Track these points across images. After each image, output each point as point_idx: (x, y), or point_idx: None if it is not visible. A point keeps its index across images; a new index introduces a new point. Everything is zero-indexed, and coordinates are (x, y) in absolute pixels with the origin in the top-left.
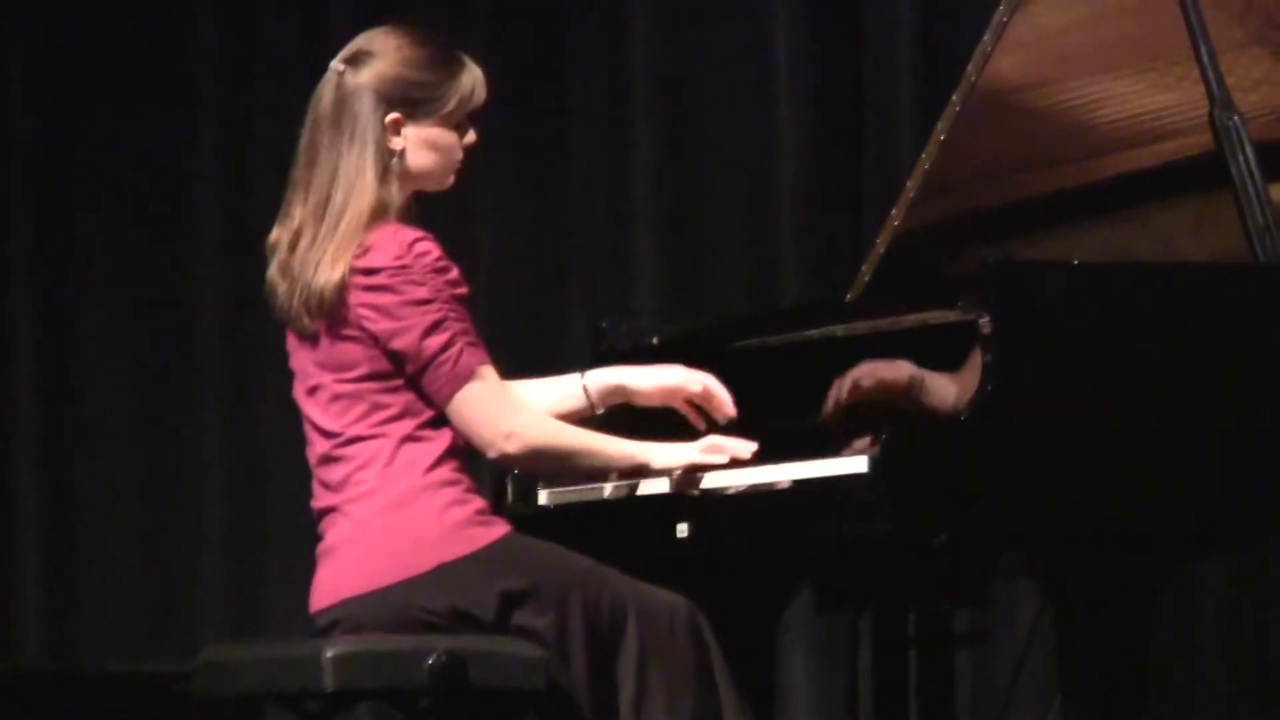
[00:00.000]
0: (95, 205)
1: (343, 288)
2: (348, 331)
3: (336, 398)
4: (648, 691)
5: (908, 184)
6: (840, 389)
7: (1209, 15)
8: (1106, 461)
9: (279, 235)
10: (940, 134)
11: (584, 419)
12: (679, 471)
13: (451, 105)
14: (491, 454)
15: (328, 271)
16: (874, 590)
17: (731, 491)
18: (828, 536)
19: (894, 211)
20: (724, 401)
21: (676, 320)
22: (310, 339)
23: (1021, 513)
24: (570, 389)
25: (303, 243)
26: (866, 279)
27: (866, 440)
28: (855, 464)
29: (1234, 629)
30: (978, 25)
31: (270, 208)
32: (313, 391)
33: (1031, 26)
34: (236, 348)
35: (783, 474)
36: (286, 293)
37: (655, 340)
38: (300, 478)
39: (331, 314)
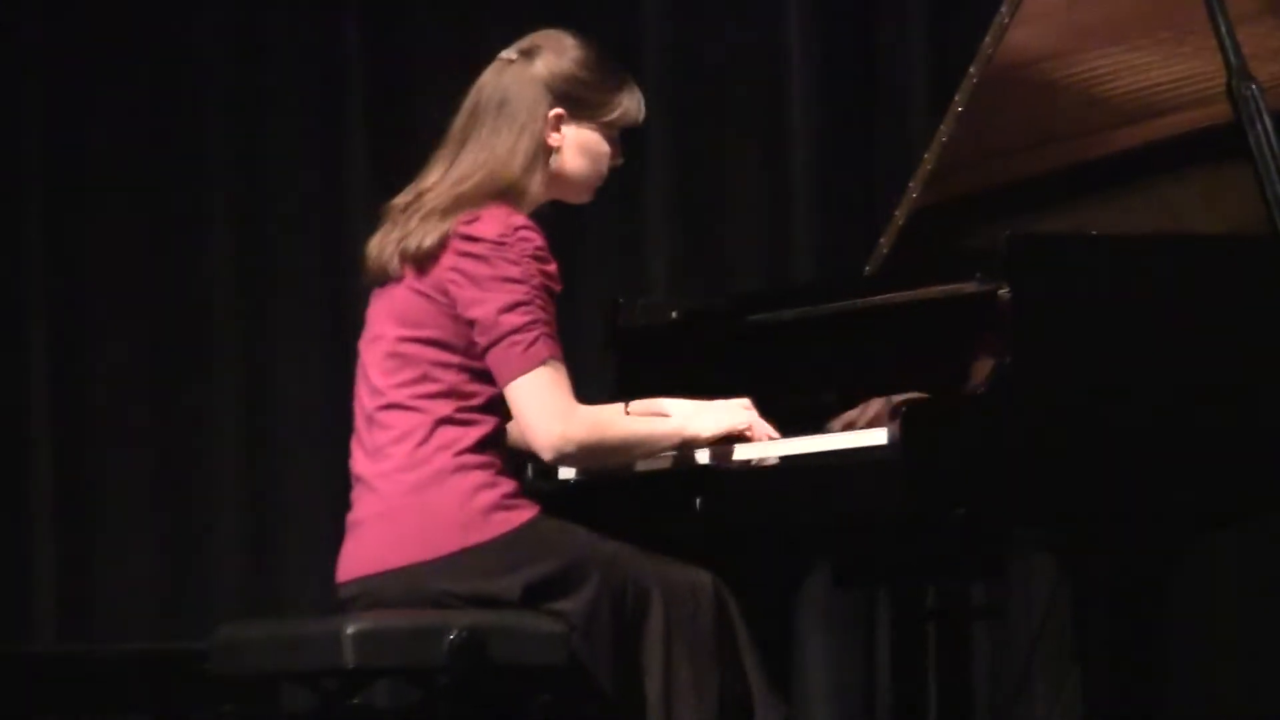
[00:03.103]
0: (106, 198)
1: (441, 246)
2: (429, 290)
3: (393, 354)
4: (674, 671)
5: (925, 156)
6: None
7: None
8: (1124, 435)
9: (403, 199)
10: (958, 106)
11: None
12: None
13: (614, 114)
14: (548, 456)
15: (435, 221)
16: (892, 564)
17: (750, 465)
18: (846, 510)
19: (912, 184)
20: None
21: (690, 297)
22: (393, 283)
23: (1039, 487)
24: None
25: (428, 196)
26: (885, 252)
27: (885, 414)
28: (874, 438)
29: (1249, 603)
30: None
31: (282, 192)
32: (374, 341)
33: None
34: (250, 328)
35: (801, 447)
36: (386, 239)
37: (674, 315)
38: (315, 456)
39: (421, 266)
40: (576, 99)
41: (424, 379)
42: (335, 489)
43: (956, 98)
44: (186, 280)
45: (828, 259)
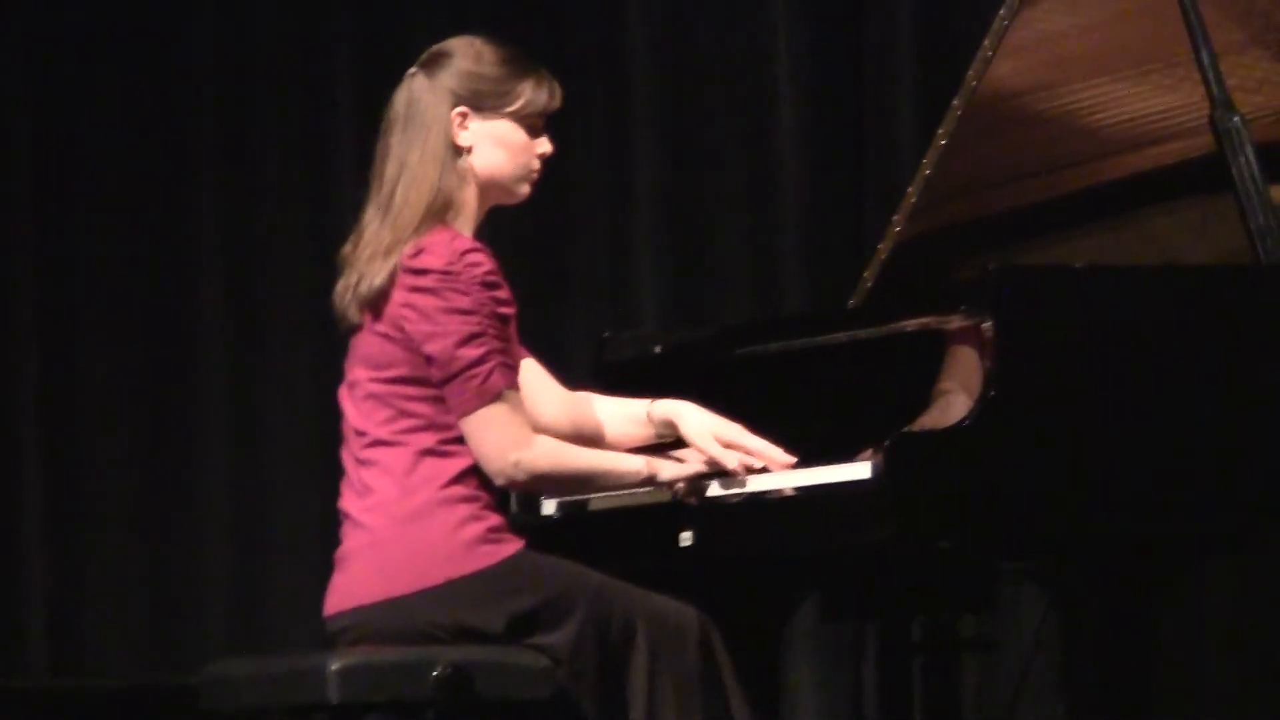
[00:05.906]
0: (97, 212)
1: (391, 283)
2: (387, 329)
3: (368, 396)
4: (658, 705)
5: (909, 189)
6: None
7: (1209, 17)
8: (1110, 466)
9: (350, 244)
10: (941, 139)
11: (648, 447)
12: (683, 481)
13: (519, 102)
14: (500, 481)
15: (380, 262)
16: (879, 598)
17: (734, 499)
18: (831, 543)
19: (896, 216)
20: (770, 459)
21: (679, 328)
22: (357, 332)
23: (1026, 518)
24: (636, 414)
25: (366, 234)
26: (869, 284)
27: (869, 448)
28: (858, 471)
29: (1239, 633)
30: (978, 28)
31: (273, 209)
32: (351, 387)
33: (1032, 30)
34: (240, 354)
35: (785, 481)
36: (346, 286)
37: (658, 349)
38: (304, 488)
39: (376, 307)
40: (478, 93)
41: (401, 415)
42: (324, 521)
43: (940, 130)
44: (177, 310)
45: (815, 290)
